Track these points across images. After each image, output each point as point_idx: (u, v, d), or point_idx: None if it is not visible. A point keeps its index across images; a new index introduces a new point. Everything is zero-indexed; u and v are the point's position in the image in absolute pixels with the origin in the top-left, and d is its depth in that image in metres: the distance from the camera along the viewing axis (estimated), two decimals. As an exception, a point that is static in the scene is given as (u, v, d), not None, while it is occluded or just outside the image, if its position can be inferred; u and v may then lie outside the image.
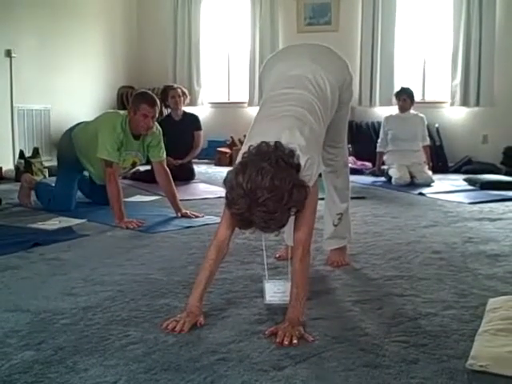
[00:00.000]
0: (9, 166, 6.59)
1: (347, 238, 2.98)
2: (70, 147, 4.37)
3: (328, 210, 2.93)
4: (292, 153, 1.95)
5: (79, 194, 4.65)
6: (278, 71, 2.49)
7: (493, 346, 1.81)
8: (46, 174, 6.34)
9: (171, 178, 4.23)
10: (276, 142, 1.95)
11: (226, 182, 1.93)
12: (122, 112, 4.25)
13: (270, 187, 1.83)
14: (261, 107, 2.38)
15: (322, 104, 2.33)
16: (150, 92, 4.22)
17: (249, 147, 1.98)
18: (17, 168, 6.38)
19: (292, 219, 2.09)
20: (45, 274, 2.72)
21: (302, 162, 1.99)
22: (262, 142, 1.95)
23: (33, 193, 4.63)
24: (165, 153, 4.28)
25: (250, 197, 1.84)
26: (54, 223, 3.87)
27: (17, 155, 6.66)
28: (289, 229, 2.37)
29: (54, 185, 4.58)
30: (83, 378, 1.64)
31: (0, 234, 3.54)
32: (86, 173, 4.56)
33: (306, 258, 2.10)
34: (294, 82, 2.36)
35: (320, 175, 2.33)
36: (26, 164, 6.37)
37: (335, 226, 2.91)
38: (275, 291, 2.33)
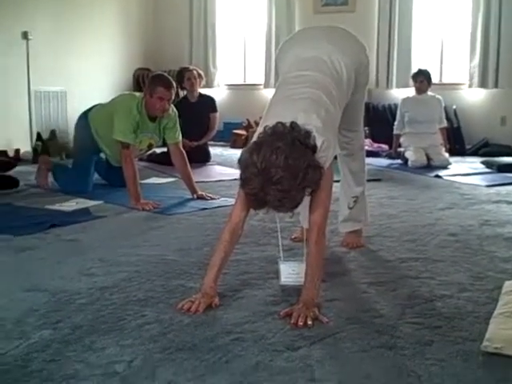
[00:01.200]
0: (26, 147, 6.63)
1: (363, 221, 2.98)
2: (87, 129, 4.39)
3: (343, 193, 2.94)
4: (308, 134, 1.95)
5: (96, 175, 4.67)
6: (294, 53, 2.48)
7: (508, 329, 1.81)
8: (64, 156, 6.39)
9: (187, 160, 4.24)
10: (292, 123, 1.95)
11: (241, 162, 1.93)
12: (137, 94, 4.25)
13: (284, 166, 1.83)
14: (277, 89, 2.37)
15: (337, 86, 2.32)
16: (166, 75, 4.22)
17: (264, 128, 1.98)
18: (34, 150, 6.42)
19: (308, 201, 2.09)
20: (62, 255, 2.75)
21: (318, 144, 1.99)
22: (278, 123, 1.95)
23: (50, 174, 4.67)
24: (181, 135, 4.29)
25: (263, 175, 1.84)
26: (71, 205, 3.90)
27: (34, 137, 6.71)
28: (305, 211, 2.37)
29: (70, 167, 4.61)
30: (100, 356, 1.67)
31: (18, 215, 3.58)
32: (102, 155, 4.59)
33: (321, 240, 2.10)
34: (309, 64, 2.35)
35: (335, 157, 2.33)
36: (43, 146, 6.42)
37: (350, 208, 2.91)
38: (290, 272, 2.34)
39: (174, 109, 4.26)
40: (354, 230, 2.95)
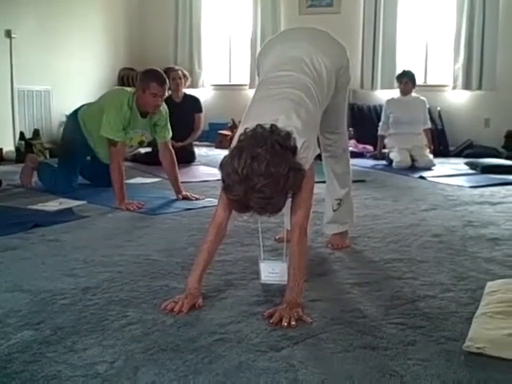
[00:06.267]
0: (9, 147, 6.58)
1: (348, 223, 2.98)
2: (76, 128, 4.34)
3: (328, 195, 2.95)
4: (288, 135, 1.95)
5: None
6: (276, 54, 2.49)
7: (490, 329, 1.82)
8: (47, 156, 6.34)
9: (175, 160, 4.21)
10: (272, 126, 1.94)
11: (222, 167, 1.92)
12: (129, 89, 4.19)
13: (265, 173, 1.83)
14: (257, 89, 2.38)
15: (317, 87, 2.32)
16: (159, 70, 4.14)
17: (245, 130, 1.97)
18: (17, 149, 6.37)
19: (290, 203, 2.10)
20: (45, 255, 2.73)
21: (299, 145, 1.99)
22: (258, 126, 1.94)
23: (35, 174, 4.63)
24: (170, 134, 4.26)
25: (246, 183, 1.84)
26: (55, 205, 3.87)
27: (17, 137, 6.65)
28: (289, 212, 2.37)
29: (56, 166, 4.57)
30: (81, 357, 1.66)
31: (0, 215, 3.55)
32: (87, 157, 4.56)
33: (303, 240, 2.10)
34: (290, 65, 2.36)
35: (320, 158, 2.33)
36: (26, 145, 6.37)
37: (334, 211, 2.92)
38: (270, 271, 2.34)
39: (166, 107, 4.22)
40: (339, 232, 2.96)
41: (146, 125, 4.15)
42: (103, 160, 4.38)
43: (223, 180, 1.93)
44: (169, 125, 4.23)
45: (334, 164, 2.88)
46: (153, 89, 3.91)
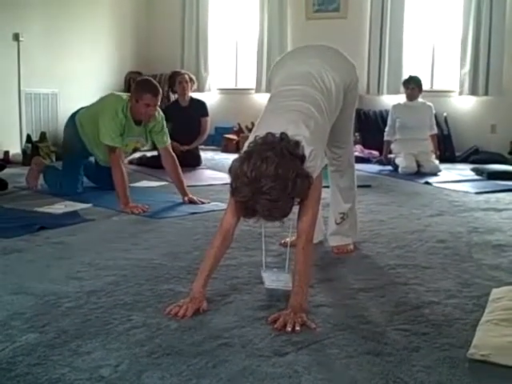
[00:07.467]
0: (16, 150, 6.60)
1: (351, 237, 2.99)
2: (74, 131, 4.36)
3: (332, 207, 3.00)
4: (297, 144, 1.99)
5: (85, 178, 4.65)
6: (286, 70, 2.56)
7: (495, 336, 1.81)
8: (53, 158, 6.36)
9: (178, 164, 4.22)
10: (282, 134, 1.99)
11: (231, 170, 1.96)
12: (124, 96, 4.20)
13: (274, 176, 1.86)
14: (268, 101, 2.44)
15: (326, 100, 2.38)
16: (152, 80, 4.17)
17: (255, 137, 2.02)
18: (24, 152, 6.39)
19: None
20: (50, 258, 2.74)
21: (307, 153, 2.02)
22: (268, 133, 1.99)
23: (41, 176, 4.64)
24: (169, 137, 4.27)
25: (254, 185, 1.87)
26: (60, 207, 3.88)
27: (24, 139, 6.67)
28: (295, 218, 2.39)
29: (60, 169, 4.59)
30: (86, 360, 1.66)
31: (6, 217, 3.56)
32: (91, 158, 4.57)
33: (308, 247, 2.12)
34: (300, 79, 2.42)
35: (326, 166, 2.36)
36: (33, 148, 6.38)
37: (337, 224, 2.96)
38: (273, 279, 2.35)
39: (161, 112, 4.24)
40: (342, 244, 2.97)
41: (142, 132, 4.18)
42: (101, 163, 4.41)
43: (231, 183, 1.96)
44: (166, 129, 4.24)
45: (338, 178, 2.93)
46: (146, 99, 3.95)
